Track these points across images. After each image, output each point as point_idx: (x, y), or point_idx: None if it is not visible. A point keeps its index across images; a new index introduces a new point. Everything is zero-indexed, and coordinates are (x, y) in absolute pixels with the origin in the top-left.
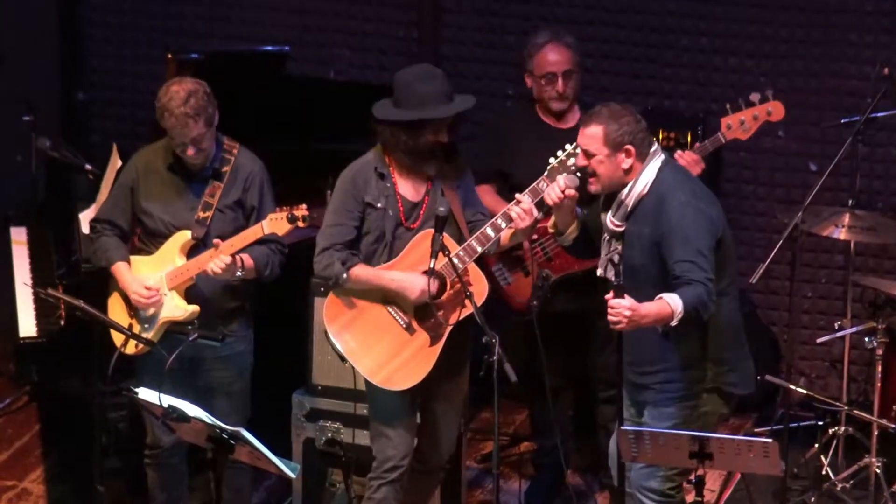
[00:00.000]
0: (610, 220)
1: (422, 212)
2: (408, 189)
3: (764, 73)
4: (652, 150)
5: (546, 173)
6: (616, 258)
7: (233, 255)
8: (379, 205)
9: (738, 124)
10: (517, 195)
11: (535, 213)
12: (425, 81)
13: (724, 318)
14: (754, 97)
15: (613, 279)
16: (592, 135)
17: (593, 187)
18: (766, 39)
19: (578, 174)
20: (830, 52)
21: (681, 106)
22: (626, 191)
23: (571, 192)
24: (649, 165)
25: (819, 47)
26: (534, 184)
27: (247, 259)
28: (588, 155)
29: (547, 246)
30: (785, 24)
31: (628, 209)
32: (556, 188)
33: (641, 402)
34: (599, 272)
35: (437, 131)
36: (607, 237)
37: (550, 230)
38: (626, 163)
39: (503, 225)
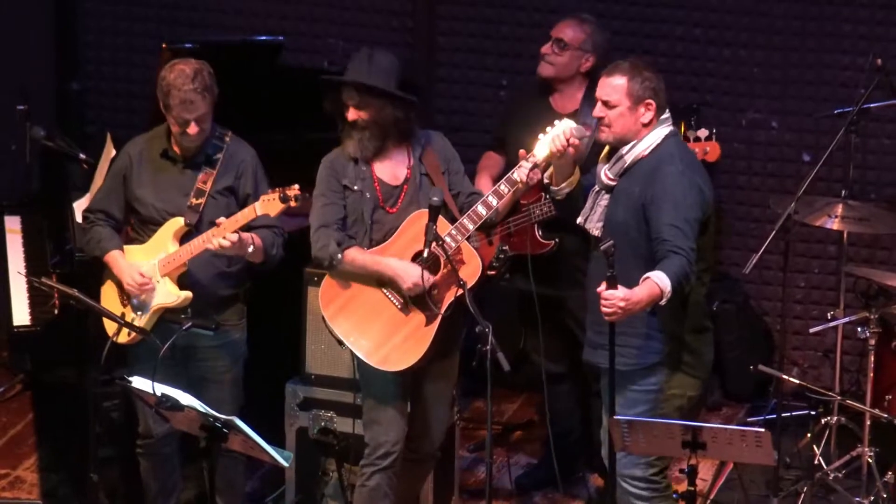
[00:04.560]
0: (605, 172)
1: (402, 196)
2: (386, 173)
3: (758, 63)
4: (664, 116)
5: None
6: (600, 211)
7: (238, 233)
8: (356, 187)
9: None
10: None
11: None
12: (357, 55)
13: (690, 301)
14: (702, 133)
15: (598, 233)
16: (616, 85)
17: (604, 135)
18: (760, 30)
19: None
20: (824, 43)
21: (675, 97)
22: (626, 148)
23: (576, 141)
24: (657, 129)
25: (813, 38)
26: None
27: (256, 239)
28: (608, 105)
29: (513, 222)
30: (779, 15)
31: (625, 166)
32: (562, 136)
33: (605, 387)
34: (580, 221)
35: (356, 105)
36: (597, 188)
37: (546, 181)
38: (646, 116)
39: (494, 202)
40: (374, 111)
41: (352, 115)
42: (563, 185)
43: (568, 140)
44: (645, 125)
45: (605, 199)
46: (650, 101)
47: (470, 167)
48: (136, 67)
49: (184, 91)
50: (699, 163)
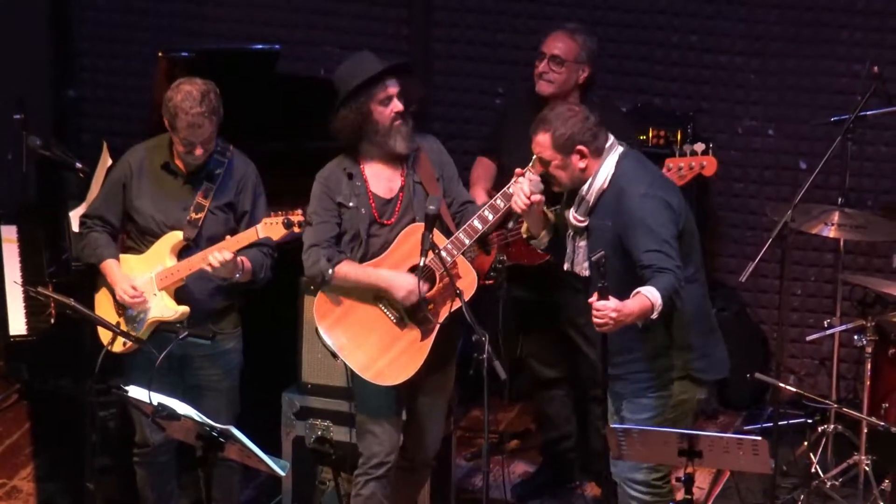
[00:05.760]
0: (573, 216)
1: (397, 208)
2: (380, 186)
3: (754, 70)
4: (608, 144)
5: (531, 164)
6: (581, 253)
7: (234, 254)
8: (351, 204)
9: (676, 168)
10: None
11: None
12: (353, 62)
13: (692, 305)
14: (698, 147)
15: (588, 273)
16: (542, 143)
17: (556, 188)
18: (756, 37)
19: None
20: (820, 50)
21: (671, 104)
22: (585, 187)
23: (537, 197)
24: (607, 160)
25: (809, 45)
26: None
27: (246, 262)
28: (543, 162)
29: (510, 232)
30: (775, 22)
31: (590, 204)
32: (522, 195)
33: (617, 394)
34: (566, 267)
35: (386, 101)
36: (571, 233)
37: (524, 235)
38: (582, 163)
39: (490, 217)
40: (414, 93)
41: (398, 105)
42: (542, 234)
43: (529, 197)
44: (583, 170)
45: (582, 241)
46: (580, 147)
47: (466, 174)
48: (132, 76)
49: (191, 115)
50: (661, 175)
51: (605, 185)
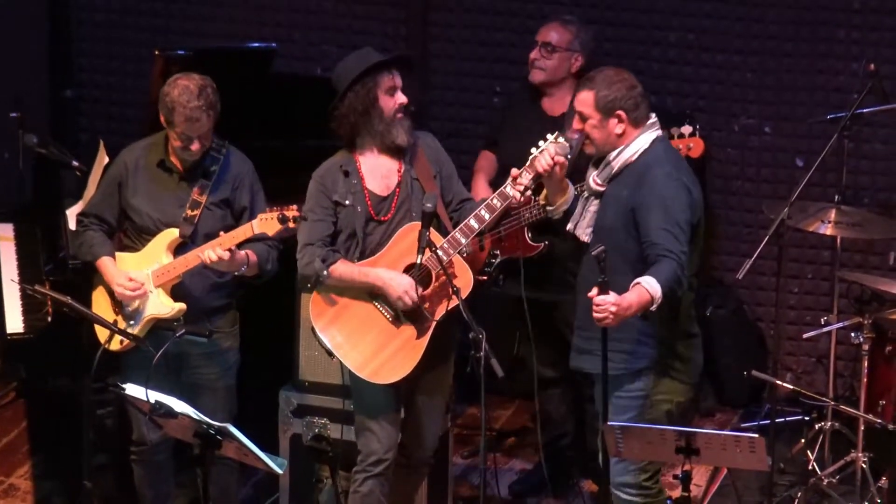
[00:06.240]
0: (593, 178)
1: (393, 204)
2: (377, 183)
3: (751, 69)
4: (650, 121)
5: (528, 163)
6: (589, 217)
7: (231, 250)
8: (347, 202)
9: None
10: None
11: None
12: (357, 54)
13: (679, 306)
14: (685, 129)
15: (587, 240)
16: (584, 100)
17: (588, 149)
18: (753, 36)
19: (570, 144)
20: (817, 48)
21: (668, 102)
22: (614, 153)
23: (561, 159)
24: (644, 135)
25: (806, 44)
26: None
27: (251, 255)
28: (582, 118)
29: (503, 226)
30: (772, 20)
31: (613, 171)
32: (547, 156)
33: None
34: (569, 227)
35: (392, 90)
36: (586, 194)
37: (541, 202)
38: (619, 128)
39: (487, 216)
40: (410, 88)
41: (402, 98)
42: (559, 202)
43: (553, 158)
44: (619, 136)
45: (594, 205)
46: (620, 112)
47: (463, 173)
48: (129, 75)
49: (189, 109)
50: (687, 166)
51: (633, 159)
